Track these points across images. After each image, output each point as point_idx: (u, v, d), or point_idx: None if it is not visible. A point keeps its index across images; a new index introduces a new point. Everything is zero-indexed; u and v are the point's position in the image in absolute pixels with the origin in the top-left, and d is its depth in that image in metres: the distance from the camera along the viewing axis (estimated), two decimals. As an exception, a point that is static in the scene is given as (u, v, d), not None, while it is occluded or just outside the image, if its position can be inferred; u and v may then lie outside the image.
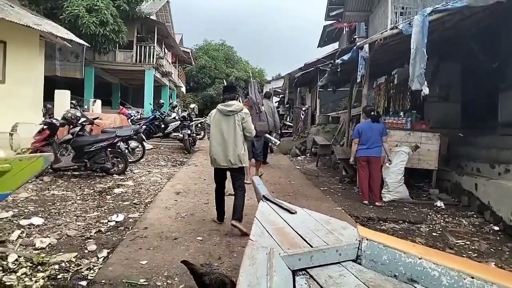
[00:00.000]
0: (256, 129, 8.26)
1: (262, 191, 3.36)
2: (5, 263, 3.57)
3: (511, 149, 6.69)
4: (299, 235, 2.31)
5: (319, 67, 16.84)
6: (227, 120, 4.94)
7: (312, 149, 13.62)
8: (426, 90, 6.18)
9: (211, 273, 2.68)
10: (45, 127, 7.66)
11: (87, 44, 13.97)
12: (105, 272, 3.46)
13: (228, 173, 5.09)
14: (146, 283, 3.30)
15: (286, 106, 31.32)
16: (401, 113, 8.96)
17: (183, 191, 6.96)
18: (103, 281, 3.28)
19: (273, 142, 9.92)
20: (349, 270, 2.00)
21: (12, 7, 10.51)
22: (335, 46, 23.21)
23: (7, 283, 3.22)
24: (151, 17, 21.41)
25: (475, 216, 6.25)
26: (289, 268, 1.97)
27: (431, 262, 1.79)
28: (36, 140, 7.61)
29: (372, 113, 7.09)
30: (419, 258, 1.84)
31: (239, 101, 5.78)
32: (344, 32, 20.23)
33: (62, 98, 12.01)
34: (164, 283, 3.31)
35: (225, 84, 10.95)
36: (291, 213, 2.74)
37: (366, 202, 6.77)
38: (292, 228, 2.42)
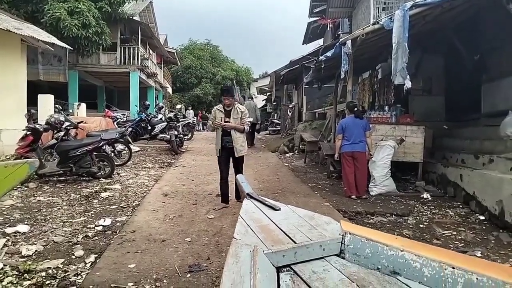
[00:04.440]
0: None
1: (246, 189, 3.35)
2: (-10, 272, 3.52)
3: (494, 140, 6.80)
4: (283, 231, 2.31)
5: (304, 64, 16.87)
6: None
7: (300, 146, 13.65)
8: (408, 84, 6.25)
9: None
10: (28, 132, 7.55)
11: (70, 47, 13.81)
12: (93, 277, 3.43)
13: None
14: (135, 286, 3.28)
15: (274, 104, 31.35)
16: (386, 108, 9.03)
17: (171, 192, 6.93)
18: (91, 286, 3.25)
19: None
20: (333, 265, 2.00)
21: (-9, 12, 10.35)
22: (320, 42, 23.31)
23: (-8, 293, 3.18)
24: (134, 18, 21.27)
25: (461, 206, 6.35)
26: (273, 265, 1.97)
27: (413, 254, 1.80)
28: (19, 147, 7.50)
29: (356, 109, 7.13)
30: (401, 251, 1.85)
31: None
32: (328, 28, 20.32)
33: (46, 103, 11.88)
34: (153, 286, 3.30)
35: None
36: (275, 210, 2.73)
37: (354, 196, 6.82)
38: (276, 225, 2.42)
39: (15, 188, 6.85)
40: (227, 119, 5.90)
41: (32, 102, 11.78)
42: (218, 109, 6.06)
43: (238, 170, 5.99)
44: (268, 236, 2.20)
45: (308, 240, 2.13)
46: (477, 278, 1.54)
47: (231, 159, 6.09)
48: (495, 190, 5.50)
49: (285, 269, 1.97)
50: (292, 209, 2.74)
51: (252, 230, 2.28)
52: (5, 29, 9.40)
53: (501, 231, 5.12)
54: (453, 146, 8.09)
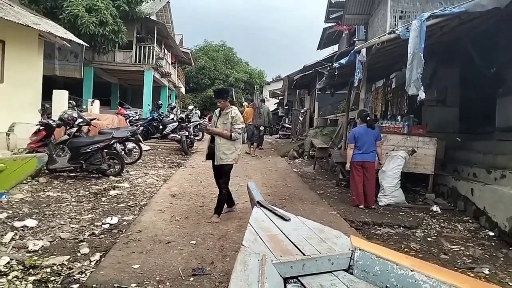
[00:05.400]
0: (257, 123, 14.22)
1: (257, 197, 3.35)
2: (-4, 266, 3.56)
3: (508, 155, 6.69)
4: (292, 242, 2.31)
5: (318, 69, 16.83)
6: None
7: (310, 152, 13.60)
8: (422, 95, 6.17)
9: None
10: (41, 127, 7.64)
11: (86, 44, 13.98)
12: (97, 276, 3.44)
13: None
14: (138, 287, 3.28)
15: (285, 108, 31.32)
16: (399, 117, 8.94)
17: (178, 193, 6.94)
18: (94, 285, 3.26)
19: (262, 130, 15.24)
20: (341, 280, 1.99)
21: (12, 6, 10.52)
22: (334, 48, 23.22)
23: (-3, 287, 3.21)
24: (151, 17, 21.42)
25: (470, 221, 6.24)
26: (280, 276, 1.97)
27: (423, 275, 1.78)
28: (32, 141, 7.59)
29: (368, 118, 7.07)
30: (411, 271, 1.82)
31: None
32: (344, 34, 20.23)
33: (60, 98, 12.02)
34: (155, 288, 3.30)
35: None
36: (285, 220, 2.74)
37: (362, 206, 6.76)
38: (285, 235, 2.42)
39: (25, 182, 6.95)
40: (218, 123, 5.57)
41: (47, 97, 11.93)
42: (215, 113, 5.80)
43: (222, 182, 5.54)
44: (276, 246, 2.19)
45: (317, 253, 2.12)
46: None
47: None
48: (506, 206, 5.39)
49: (292, 281, 1.97)
50: (302, 220, 2.73)
51: (261, 239, 2.28)
52: (24, 24, 9.54)
53: (510, 248, 5.00)
54: (465, 159, 7.97)
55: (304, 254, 2.13)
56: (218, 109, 5.71)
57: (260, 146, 15.83)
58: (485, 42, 8.28)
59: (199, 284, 3.41)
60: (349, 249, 2.18)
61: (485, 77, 8.59)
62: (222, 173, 5.56)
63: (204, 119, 19.79)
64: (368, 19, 14.37)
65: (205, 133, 17.77)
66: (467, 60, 9.00)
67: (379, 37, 7.03)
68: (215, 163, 5.47)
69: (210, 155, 5.59)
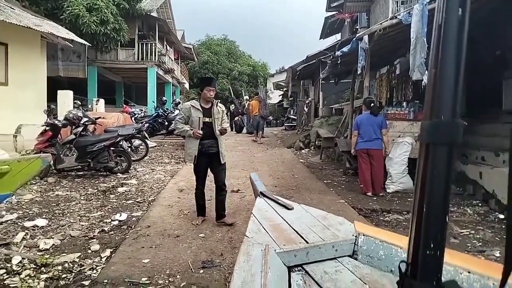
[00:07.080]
0: (263, 114, 15.81)
1: (260, 187, 3.34)
2: (9, 265, 3.61)
3: (516, 137, 6.62)
4: (295, 231, 2.30)
5: (321, 59, 16.71)
6: None
7: (316, 142, 13.57)
8: (426, 80, 6.12)
9: None
10: (47, 128, 7.69)
11: (89, 44, 14.01)
12: (108, 271, 3.48)
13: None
14: (148, 281, 3.31)
15: (290, 99, 31.23)
16: (404, 104, 8.87)
17: (186, 188, 6.96)
18: (106, 280, 3.30)
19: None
20: (345, 266, 1.98)
21: (13, 8, 10.54)
22: (337, 37, 23.04)
23: (10, 285, 3.25)
24: (151, 14, 21.35)
25: (480, 204, 6.20)
26: (284, 264, 1.96)
27: None
28: (39, 142, 7.65)
29: (372, 104, 7.02)
30: None
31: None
32: (346, 23, 20.06)
33: (65, 99, 12.08)
34: (166, 281, 3.32)
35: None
36: (288, 209, 2.73)
37: (369, 193, 6.74)
38: (289, 224, 2.41)
39: (34, 182, 7.01)
40: (206, 120, 4.78)
41: (52, 97, 12.00)
42: (194, 106, 4.82)
43: (222, 180, 4.99)
44: (280, 235, 2.19)
45: (320, 240, 2.11)
46: (493, 284, 1.50)
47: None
48: (516, 188, 5.34)
49: (296, 269, 1.96)
50: (305, 208, 2.72)
51: (265, 229, 2.27)
52: (26, 26, 9.57)
53: (521, 230, 4.98)
54: (473, 143, 7.90)
55: (307, 242, 2.13)
56: (195, 102, 4.95)
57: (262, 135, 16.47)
58: (488, 24, 8.17)
59: (209, 276, 3.43)
60: (353, 235, 2.17)
61: (490, 60, 8.49)
62: (223, 170, 5.03)
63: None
64: (370, 6, 14.26)
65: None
66: (471, 43, 8.84)
67: (381, 23, 6.97)
68: (222, 162, 4.89)
69: (206, 155, 4.84)
